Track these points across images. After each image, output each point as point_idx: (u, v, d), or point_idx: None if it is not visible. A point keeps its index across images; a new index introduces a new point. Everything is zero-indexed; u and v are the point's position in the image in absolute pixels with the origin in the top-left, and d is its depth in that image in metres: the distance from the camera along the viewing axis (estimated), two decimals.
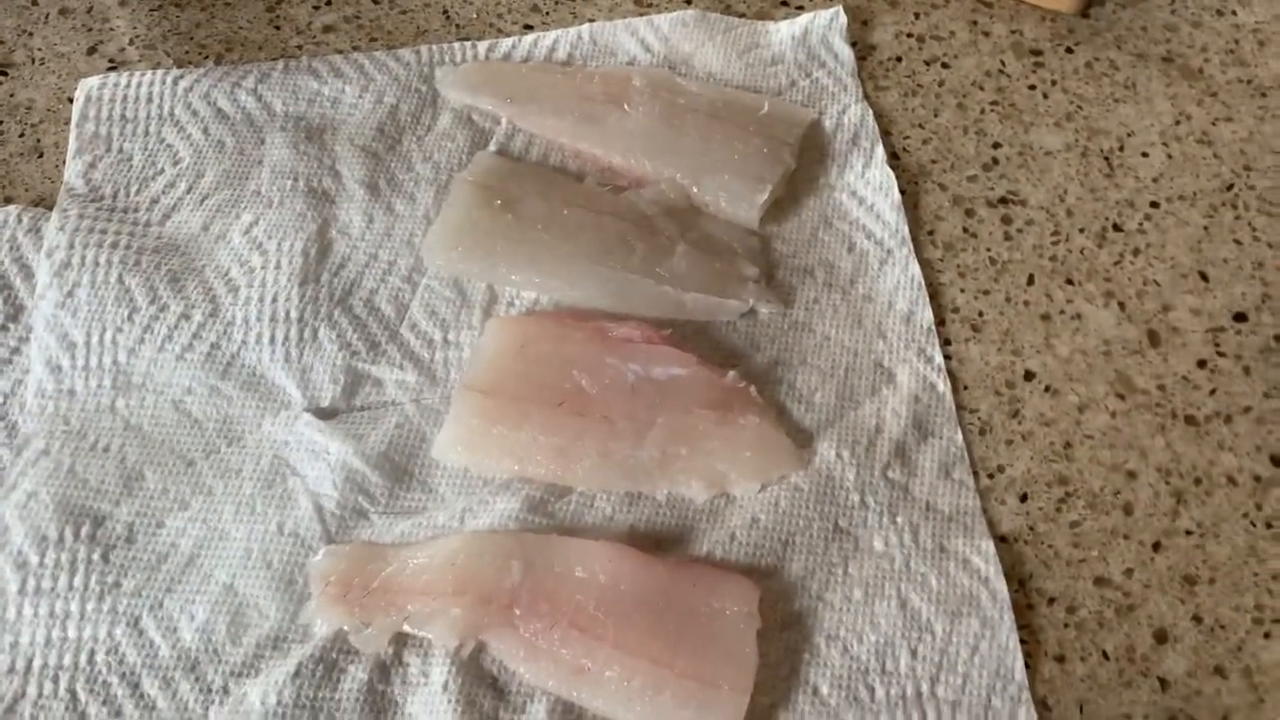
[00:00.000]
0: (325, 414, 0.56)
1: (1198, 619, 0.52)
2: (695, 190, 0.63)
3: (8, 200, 0.63)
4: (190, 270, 0.60)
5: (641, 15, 0.70)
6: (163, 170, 0.64)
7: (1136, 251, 0.62)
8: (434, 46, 0.69)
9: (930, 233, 0.62)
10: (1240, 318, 0.59)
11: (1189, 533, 0.54)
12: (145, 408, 0.57)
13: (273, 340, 0.58)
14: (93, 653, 0.50)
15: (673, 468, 0.55)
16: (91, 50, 0.69)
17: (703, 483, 0.54)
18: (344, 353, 0.58)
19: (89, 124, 0.65)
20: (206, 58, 0.69)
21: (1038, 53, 0.69)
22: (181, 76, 0.67)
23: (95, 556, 0.53)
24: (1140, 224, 0.62)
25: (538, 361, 0.57)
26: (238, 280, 0.60)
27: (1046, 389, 0.58)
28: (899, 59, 0.69)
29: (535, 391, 0.56)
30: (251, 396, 0.57)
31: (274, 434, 0.56)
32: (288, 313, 0.59)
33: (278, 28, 0.70)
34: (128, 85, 0.67)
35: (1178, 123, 0.66)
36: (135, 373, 0.57)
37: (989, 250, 0.62)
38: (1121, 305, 0.60)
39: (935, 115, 0.66)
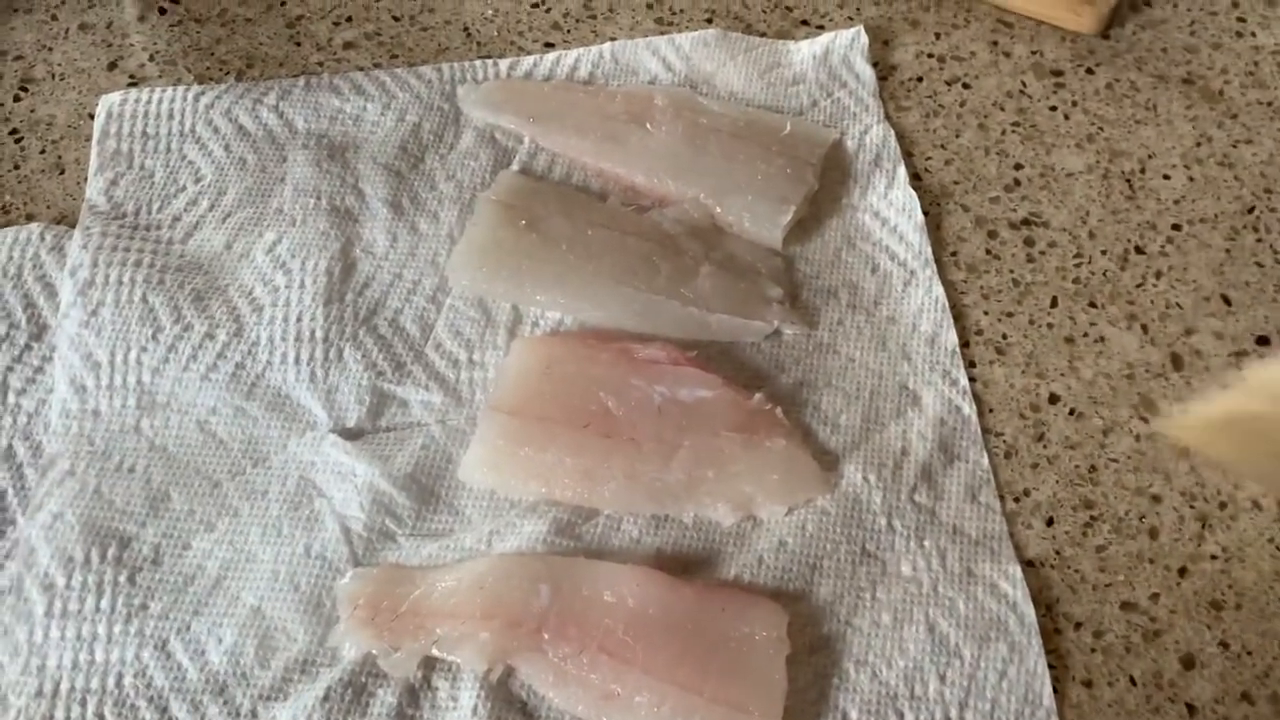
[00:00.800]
0: (351, 435, 0.56)
1: (1224, 645, 0.52)
2: (719, 210, 0.63)
3: (29, 217, 0.63)
4: (214, 289, 0.60)
5: (662, 34, 0.70)
6: (185, 187, 0.64)
7: (1159, 274, 0.62)
8: (456, 64, 0.69)
9: (953, 254, 0.63)
10: (1263, 341, 0.60)
11: (1214, 557, 0.54)
12: (170, 428, 0.56)
13: (298, 360, 0.58)
14: (120, 676, 0.50)
15: (699, 490, 0.55)
16: (112, 66, 0.69)
17: (729, 505, 0.54)
18: (369, 373, 0.58)
19: (110, 140, 0.65)
20: (227, 74, 0.69)
21: (1058, 73, 0.69)
22: (203, 93, 0.67)
23: (122, 579, 0.52)
24: (1162, 246, 0.63)
25: (563, 382, 0.57)
26: (262, 299, 0.60)
27: (1071, 412, 0.58)
28: (920, 79, 0.69)
29: (561, 413, 0.56)
30: (277, 417, 0.57)
31: (300, 455, 0.56)
32: (312, 332, 0.59)
33: (298, 44, 0.70)
34: (149, 101, 0.66)
35: (1199, 145, 0.66)
36: (160, 393, 0.57)
37: (1012, 272, 0.62)
38: (1144, 328, 0.60)
39: (957, 136, 0.66)
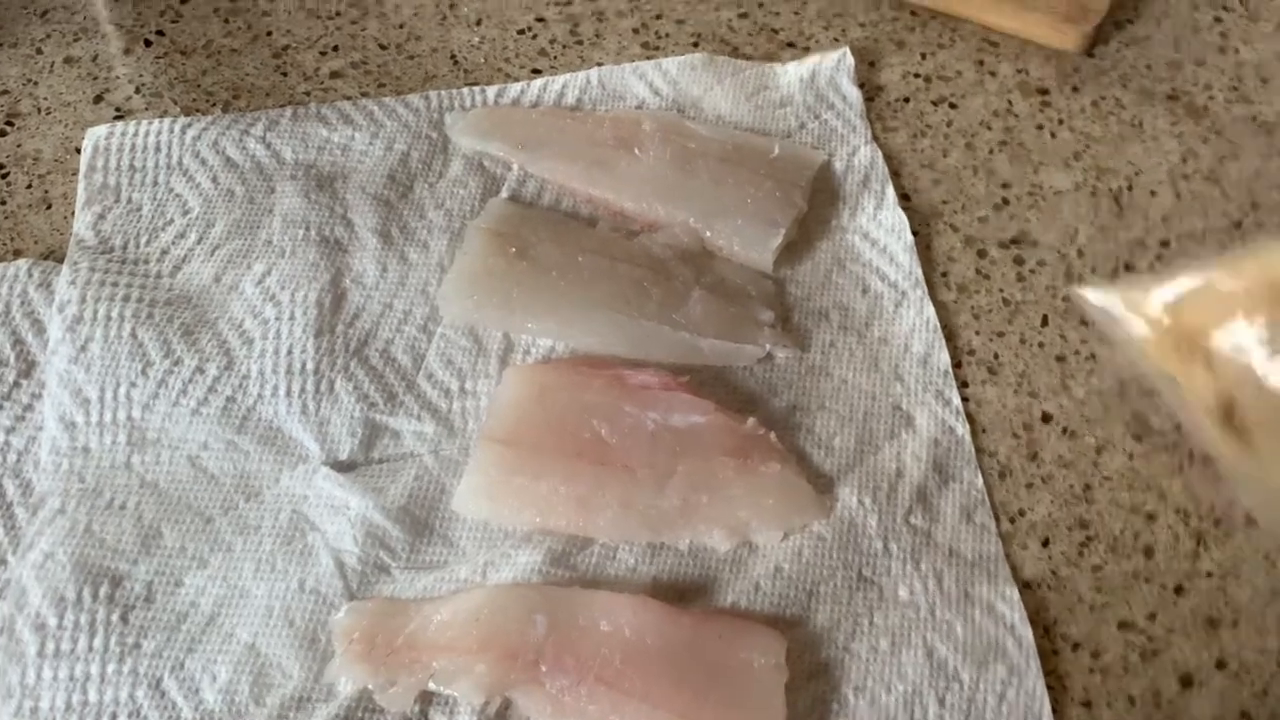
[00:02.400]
0: (343, 467, 0.56)
1: (1222, 663, 0.52)
2: (708, 234, 0.63)
3: (17, 253, 0.63)
4: (203, 323, 0.60)
5: (649, 59, 0.70)
6: (172, 220, 0.64)
7: None
8: (443, 92, 0.69)
9: (944, 274, 0.63)
10: None
11: (1210, 575, 0.54)
12: (161, 464, 0.56)
13: (289, 393, 0.58)
14: (114, 716, 0.50)
15: (695, 517, 0.54)
16: (98, 99, 0.69)
17: (725, 531, 0.54)
18: (361, 404, 0.58)
19: (97, 174, 0.65)
20: (214, 105, 0.69)
21: (1044, 91, 0.69)
22: (189, 125, 0.67)
23: (114, 617, 0.52)
24: (1151, 264, 0.63)
25: (556, 410, 0.56)
26: (252, 332, 0.60)
27: (1064, 431, 0.58)
28: (907, 100, 0.69)
29: (555, 441, 0.56)
30: (269, 451, 0.57)
31: (292, 489, 0.56)
32: (303, 365, 0.59)
33: (285, 74, 0.70)
34: (135, 134, 0.66)
35: (1185, 160, 0.67)
36: (150, 428, 0.57)
37: (1002, 291, 0.62)
38: None
39: (944, 156, 0.67)
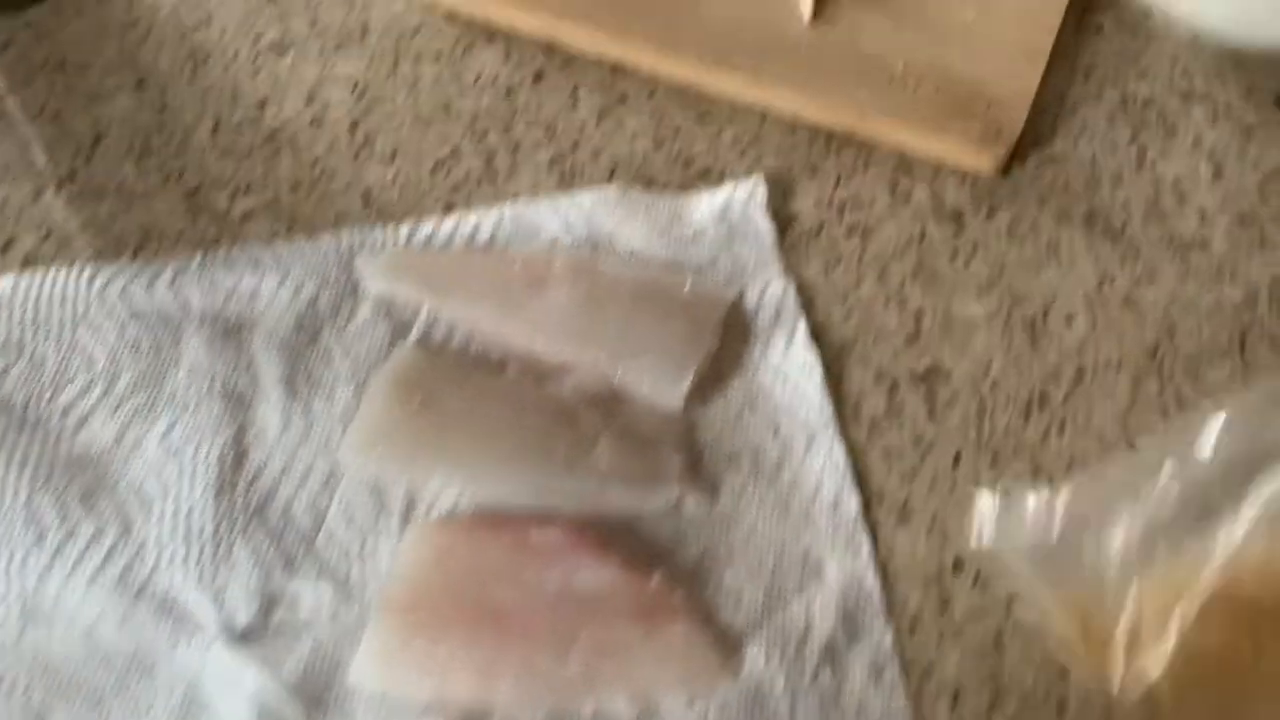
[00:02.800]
0: (241, 637, 0.55)
1: None
2: (619, 374, 0.62)
3: None
4: (103, 486, 0.59)
5: (564, 190, 0.70)
6: (75, 377, 0.63)
7: (1063, 425, 0.61)
8: (355, 231, 0.68)
9: (855, 411, 0.62)
10: None
11: None
12: (54, 640, 0.55)
13: (186, 559, 0.57)
14: None
15: (597, 683, 0.53)
16: (5, 247, 0.68)
17: (629, 698, 0.53)
18: (259, 570, 0.57)
19: (0, 328, 0.64)
20: (124, 250, 0.68)
21: (959, 216, 0.69)
22: (97, 273, 0.66)
23: None
24: (1066, 396, 0.62)
25: (456, 575, 0.56)
26: (152, 494, 0.59)
27: (975, 579, 0.57)
28: (820, 229, 0.68)
29: (454, 607, 0.55)
30: (165, 622, 0.55)
31: (188, 663, 0.54)
32: (202, 529, 0.58)
33: (195, 217, 0.69)
34: (41, 284, 0.66)
35: (1101, 285, 0.66)
36: (45, 601, 0.56)
37: (914, 429, 0.61)
38: (1049, 483, 0.59)
39: (857, 287, 0.66)
